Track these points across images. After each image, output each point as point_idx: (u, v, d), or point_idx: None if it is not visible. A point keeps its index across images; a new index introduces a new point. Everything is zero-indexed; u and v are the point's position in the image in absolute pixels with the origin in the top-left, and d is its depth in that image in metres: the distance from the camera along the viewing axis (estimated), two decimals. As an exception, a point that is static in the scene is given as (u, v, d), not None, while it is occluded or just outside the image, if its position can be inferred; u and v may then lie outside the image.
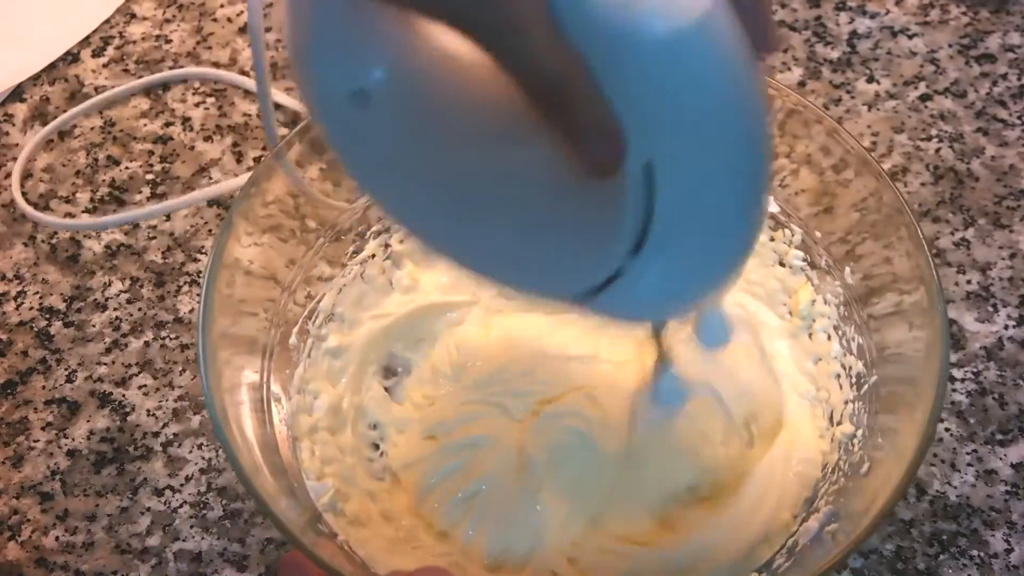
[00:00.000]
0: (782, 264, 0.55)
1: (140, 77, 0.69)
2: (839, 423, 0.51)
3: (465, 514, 0.50)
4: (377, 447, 0.53)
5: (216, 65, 0.69)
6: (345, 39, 0.36)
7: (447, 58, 0.35)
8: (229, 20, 0.72)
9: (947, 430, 0.54)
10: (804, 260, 0.54)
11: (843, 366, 0.52)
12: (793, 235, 0.54)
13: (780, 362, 0.54)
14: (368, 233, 0.55)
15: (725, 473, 0.51)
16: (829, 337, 0.53)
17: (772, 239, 0.55)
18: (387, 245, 0.56)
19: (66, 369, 0.57)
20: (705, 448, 0.51)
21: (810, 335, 0.54)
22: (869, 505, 0.43)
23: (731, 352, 0.52)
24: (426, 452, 0.52)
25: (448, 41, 0.34)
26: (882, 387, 0.49)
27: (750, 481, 0.51)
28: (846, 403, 0.51)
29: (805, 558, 0.45)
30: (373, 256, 0.56)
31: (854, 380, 0.51)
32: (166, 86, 0.68)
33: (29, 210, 0.61)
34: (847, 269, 0.52)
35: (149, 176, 0.64)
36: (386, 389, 0.55)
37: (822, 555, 0.43)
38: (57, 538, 0.52)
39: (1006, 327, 0.57)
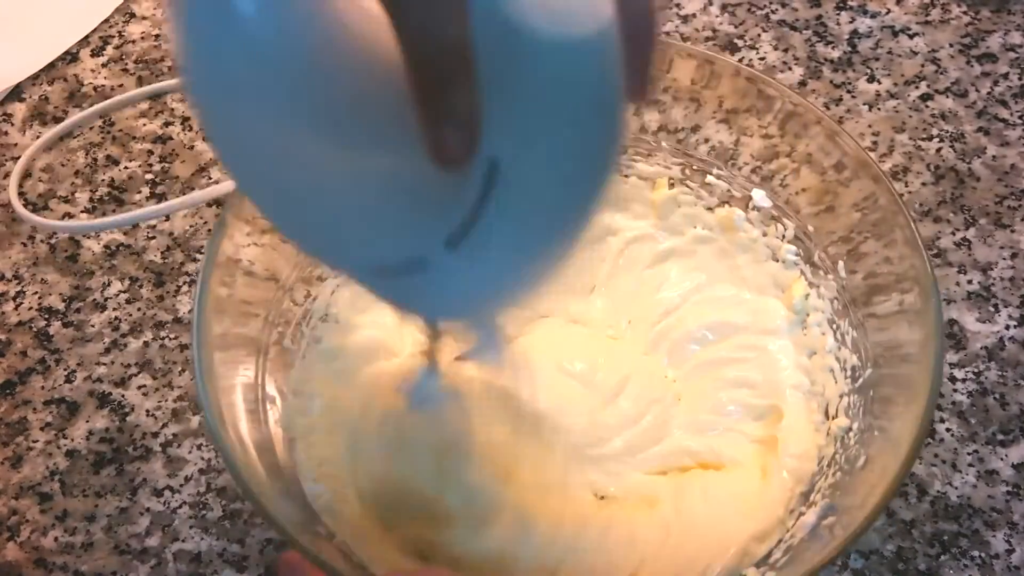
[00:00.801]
0: (775, 259, 0.55)
1: (138, 76, 0.69)
2: (835, 417, 0.51)
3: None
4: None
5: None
6: None
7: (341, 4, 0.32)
8: None
9: (948, 430, 0.54)
10: (797, 255, 0.54)
11: (838, 360, 0.52)
12: (786, 230, 0.54)
13: (774, 356, 0.54)
14: None
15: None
16: (823, 331, 0.53)
17: (765, 234, 0.55)
18: None
19: (65, 369, 0.57)
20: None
21: (804, 329, 0.54)
22: (866, 499, 0.43)
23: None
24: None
25: None
26: (877, 380, 0.49)
27: (743, 474, 0.51)
28: (841, 397, 0.51)
29: (803, 552, 0.45)
30: None
31: (849, 373, 0.51)
32: (165, 86, 0.68)
33: (24, 213, 0.61)
34: (840, 263, 0.52)
35: (148, 176, 0.64)
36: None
37: (819, 549, 0.43)
38: (56, 539, 0.52)
39: (1007, 327, 0.57)
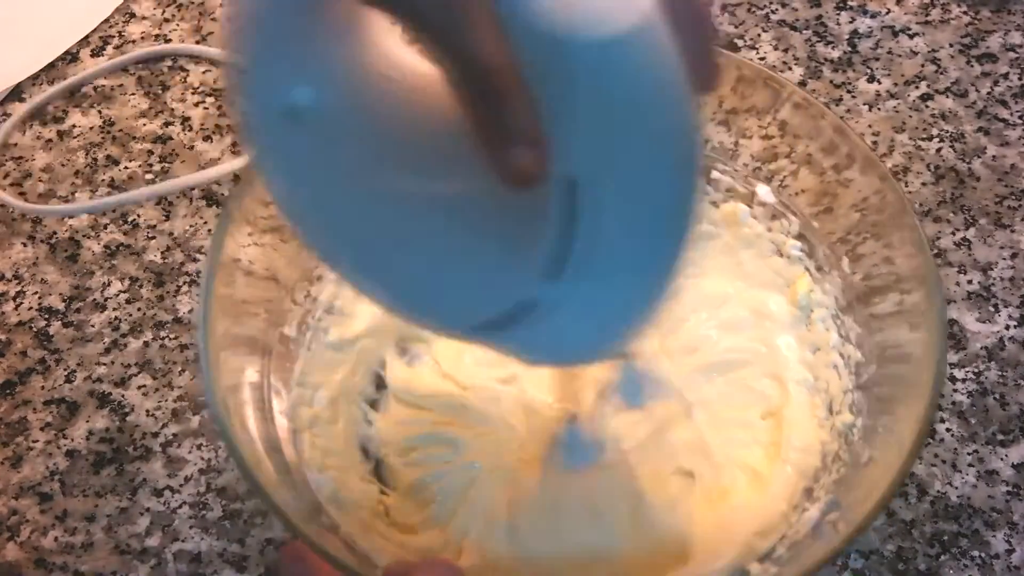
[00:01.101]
0: (780, 254, 0.55)
1: (138, 77, 0.69)
2: (838, 412, 0.51)
3: (461, 506, 0.50)
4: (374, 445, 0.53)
5: (215, 65, 0.69)
6: (283, 42, 0.33)
7: (384, 68, 0.33)
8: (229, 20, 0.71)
9: (948, 430, 0.54)
10: (802, 250, 0.54)
11: (842, 356, 0.52)
12: (791, 225, 0.54)
13: (778, 352, 0.54)
14: None
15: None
16: (827, 327, 0.53)
17: (770, 229, 0.55)
18: None
19: (65, 369, 0.57)
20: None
21: (808, 325, 0.54)
22: (869, 495, 0.43)
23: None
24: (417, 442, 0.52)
25: (388, 48, 0.33)
26: (881, 376, 0.49)
27: (744, 469, 0.51)
28: (845, 392, 0.51)
29: (806, 547, 0.45)
30: None
31: (853, 369, 0.51)
32: (165, 86, 0.68)
33: (9, 199, 0.61)
34: (845, 259, 0.52)
35: (148, 176, 0.64)
36: (386, 385, 0.55)
37: (823, 544, 0.43)
38: (56, 539, 0.52)
39: (1007, 327, 0.57)
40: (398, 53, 0.33)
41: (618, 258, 0.32)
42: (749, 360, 0.54)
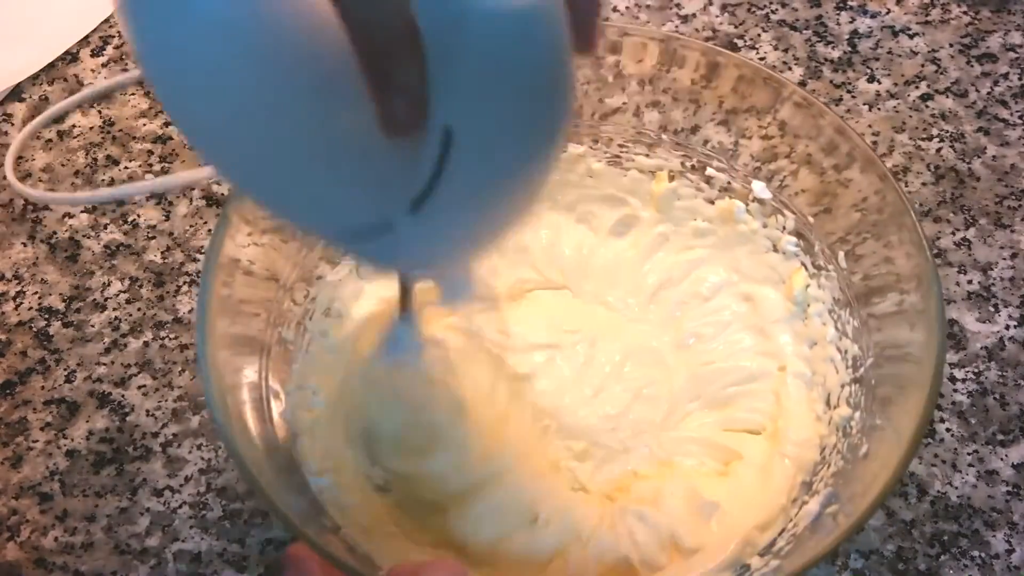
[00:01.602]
0: (776, 250, 0.55)
1: (138, 75, 0.69)
2: (836, 406, 0.51)
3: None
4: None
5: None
6: None
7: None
8: None
9: (948, 430, 0.54)
10: (797, 246, 0.54)
11: (839, 350, 0.52)
12: (786, 220, 0.54)
13: (775, 346, 0.54)
14: None
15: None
16: (824, 321, 0.53)
17: (765, 225, 0.55)
18: None
19: (65, 369, 0.57)
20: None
21: (804, 320, 0.54)
22: (868, 488, 0.43)
23: None
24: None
25: None
26: (879, 370, 0.49)
27: (743, 464, 0.51)
28: (843, 386, 0.51)
29: (806, 540, 0.45)
30: None
31: (850, 363, 0.51)
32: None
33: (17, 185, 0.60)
34: (841, 255, 0.52)
35: (149, 176, 0.64)
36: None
37: (823, 537, 0.43)
38: (56, 539, 0.52)
39: (1007, 327, 0.57)
40: None
41: (468, 204, 0.37)
42: (744, 353, 0.55)
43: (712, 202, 0.56)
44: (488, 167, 0.36)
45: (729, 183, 0.56)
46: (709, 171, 0.56)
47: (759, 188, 0.54)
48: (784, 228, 0.54)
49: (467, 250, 0.41)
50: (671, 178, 0.57)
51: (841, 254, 0.52)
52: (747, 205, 0.55)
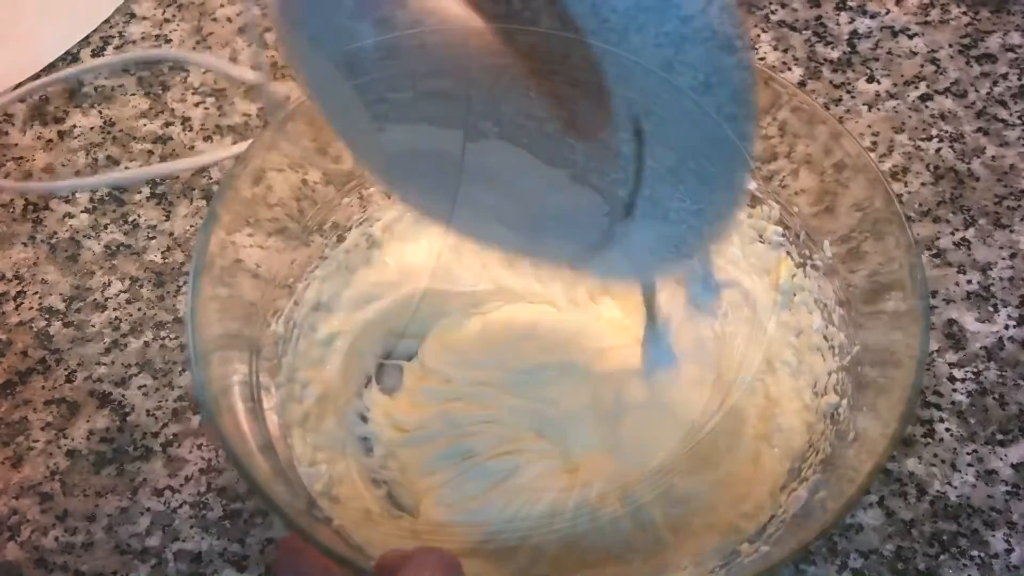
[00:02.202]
0: (761, 240, 0.55)
1: (138, 77, 0.69)
2: (823, 394, 0.51)
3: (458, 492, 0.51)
4: (367, 439, 0.53)
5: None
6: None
7: (441, 20, 0.35)
8: (229, 20, 0.72)
9: (947, 430, 0.54)
10: (783, 235, 0.54)
11: (825, 338, 0.52)
12: (771, 211, 0.54)
13: (761, 335, 0.55)
14: (350, 223, 0.56)
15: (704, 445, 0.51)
16: (810, 310, 0.53)
17: (750, 216, 0.55)
18: (369, 235, 0.56)
19: (65, 369, 0.57)
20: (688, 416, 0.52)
21: (791, 309, 0.54)
22: (856, 473, 0.43)
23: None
24: (418, 434, 0.53)
25: (445, 5, 0.34)
26: (865, 357, 0.49)
27: (732, 452, 0.51)
28: (830, 374, 0.51)
29: (796, 526, 0.45)
30: (356, 246, 0.56)
31: (837, 351, 0.51)
32: (165, 86, 0.68)
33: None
34: (826, 241, 0.52)
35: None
36: (377, 377, 0.55)
37: (813, 523, 0.44)
38: (57, 538, 0.52)
39: (1006, 327, 0.57)
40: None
41: (685, 187, 0.36)
42: (730, 342, 0.55)
43: None
44: (688, 153, 0.35)
45: None
46: None
47: None
48: (769, 218, 0.55)
49: (698, 242, 0.40)
50: None
51: (826, 242, 0.52)
52: None
